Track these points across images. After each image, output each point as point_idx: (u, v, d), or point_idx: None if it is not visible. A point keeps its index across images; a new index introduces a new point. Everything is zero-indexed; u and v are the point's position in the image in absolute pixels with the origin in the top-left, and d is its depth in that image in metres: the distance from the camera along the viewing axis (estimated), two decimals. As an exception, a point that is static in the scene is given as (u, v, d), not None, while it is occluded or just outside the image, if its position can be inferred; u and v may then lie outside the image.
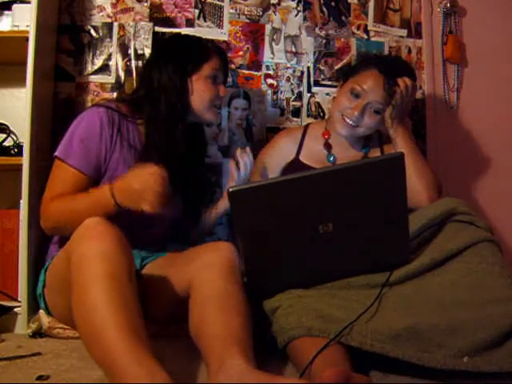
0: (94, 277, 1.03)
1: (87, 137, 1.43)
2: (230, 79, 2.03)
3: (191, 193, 1.67)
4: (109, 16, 1.98)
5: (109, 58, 1.98)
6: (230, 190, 1.13)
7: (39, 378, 1.10)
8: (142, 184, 1.26)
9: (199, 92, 1.56)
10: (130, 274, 1.09)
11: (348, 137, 1.71)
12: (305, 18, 2.11)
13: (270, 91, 2.07)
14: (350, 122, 1.64)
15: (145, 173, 1.28)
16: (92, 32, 1.97)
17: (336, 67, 2.12)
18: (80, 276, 1.05)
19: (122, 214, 1.31)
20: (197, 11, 2.03)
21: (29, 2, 1.65)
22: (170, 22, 2.01)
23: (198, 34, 1.99)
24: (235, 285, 1.19)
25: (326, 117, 2.06)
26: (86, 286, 1.02)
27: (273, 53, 2.07)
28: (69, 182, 1.40)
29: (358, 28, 2.15)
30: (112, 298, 1.00)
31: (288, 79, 2.08)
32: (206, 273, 1.21)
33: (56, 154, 1.43)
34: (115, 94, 1.95)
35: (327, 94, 2.10)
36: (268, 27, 2.08)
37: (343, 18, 2.14)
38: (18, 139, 1.78)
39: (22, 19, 1.69)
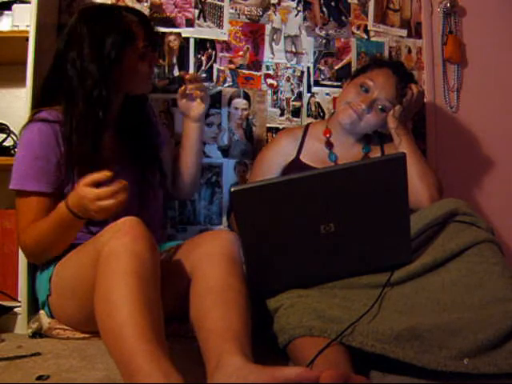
0: (121, 274, 1.03)
1: (36, 156, 1.35)
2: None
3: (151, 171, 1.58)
4: (109, 16, 1.98)
5: (109, 57, 1.97)
6: (232, 189, 1.13)
7: (39, 378, 1.10)
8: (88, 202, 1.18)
9: (128, 76, 1.44)
10: (157, 274, 1.10)
11: (348, 128, 1.69)
12: (305, 18, 2.10)
13: (270, 91, 2.06)
14: (355, 114, 1.64)
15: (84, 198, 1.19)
16: (92, 32, 1.97)
17: (336, 67, 2.12)
18: (108, 271, 1.05)
19: None
20: (197, 11, 2.02)
21: (29, 2, 1.64)
22: (169, 22, 2.00)
23: (197, 35, 2.00)
24: (235, 275, 1.18)
25: (326, 116, 2.06)
26: (113, 282, 1.02)
27: (273, 53, 2.07)
28: (35, 208, 1.34)
29: (358, 28, 2.15)
30: (137, 296, 1.00)
31: (288, 79, 2.08)
32: (206, 263, 1.20)
33: (11, 187, 1.36)
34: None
35: (327, 93, 2.10)
36: (268, 27, 2.07)
37: (343, 17, 2.14)
38: (18, 139, 1.77)
39: (22, 19, 1.68)
